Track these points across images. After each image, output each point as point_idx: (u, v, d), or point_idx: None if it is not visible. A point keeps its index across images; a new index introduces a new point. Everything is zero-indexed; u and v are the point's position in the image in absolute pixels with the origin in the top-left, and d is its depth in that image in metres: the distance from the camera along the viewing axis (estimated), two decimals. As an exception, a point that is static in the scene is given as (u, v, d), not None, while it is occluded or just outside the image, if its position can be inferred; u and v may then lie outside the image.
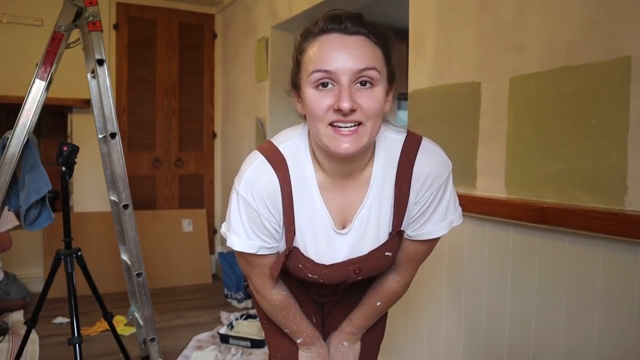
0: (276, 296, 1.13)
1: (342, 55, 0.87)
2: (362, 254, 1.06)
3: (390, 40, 0.96)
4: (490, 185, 1.62)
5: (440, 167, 1.01)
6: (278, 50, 3.12)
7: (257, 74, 3.33)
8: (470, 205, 1.63)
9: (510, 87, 1.53)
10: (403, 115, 4.25)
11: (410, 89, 1.97)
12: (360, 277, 1.09)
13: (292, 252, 1.05)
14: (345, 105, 0.85)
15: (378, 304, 1.17)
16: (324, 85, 0.88)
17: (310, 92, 0.90)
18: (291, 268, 1.09)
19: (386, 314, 1.31)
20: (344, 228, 1.04)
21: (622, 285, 1.23)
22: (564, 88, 1.37)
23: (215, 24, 4.10)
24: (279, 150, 1.00)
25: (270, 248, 1.05)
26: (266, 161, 0.99)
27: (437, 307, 1.85)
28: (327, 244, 1.04)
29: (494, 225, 1.60)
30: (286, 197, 1.00)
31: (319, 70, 0.88)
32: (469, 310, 1.71)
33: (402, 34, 1.94)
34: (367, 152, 0.99)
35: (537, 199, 1.45)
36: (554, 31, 1.39)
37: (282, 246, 1.07)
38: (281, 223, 1.02)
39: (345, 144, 0.88)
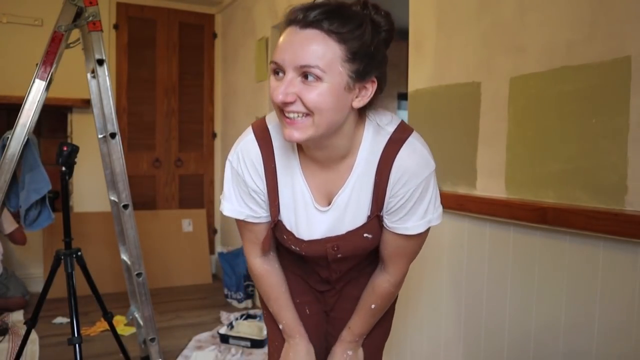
0: (259, 267, 1.19)
1: (289, 48, 0.90)
2: (340, 234, 1.09)
3: (364, 33, 0.91)
4: (490, 185, 1.62)
5: (420, 166, 1.01)
6: (278, 50, 3.12)
7: (257, 74, 3.33)
8: (470, 205, 1.63)
9: (510, 87, 1.53)
10: (403, 115, 4.25)
11: (410, 89, 1.97)
12: (340, 255, 1.11)
13: (277, 224, 1.12)
14: (278, 97, 0.90)
15: (373, 306, 1.18)
16: (277, 73, 0.93)
17: (270, 79, 0.95)
18: (278, 238, 1.16)
19: (392, 315, 1.31)
20: (328, 205, 1.08)
21: (622, 285, 1.23)
22: (564, 88, 1.37)
23: (215, 24, 4.10)
24: (268, 130, 1.08)
25: (259, 217, 1.12)
26: (254, 138, 1.07)
27: (437, 307, 1.85)
28: (307, 221, 1.09)
29: (494, 225, 1.60)
30: (270, 173, 1.07)
31: (272, 62, 0.93)
32: (469, 310, 1.71)
33: (402, 34, 1.93)
34: (342, 140, 1.00)
35: (537, 199, 1.45)
36: (554, 31, 1.39)
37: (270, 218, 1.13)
38: (266, 196, 1.09)
39: (290, 131, 0.93)
